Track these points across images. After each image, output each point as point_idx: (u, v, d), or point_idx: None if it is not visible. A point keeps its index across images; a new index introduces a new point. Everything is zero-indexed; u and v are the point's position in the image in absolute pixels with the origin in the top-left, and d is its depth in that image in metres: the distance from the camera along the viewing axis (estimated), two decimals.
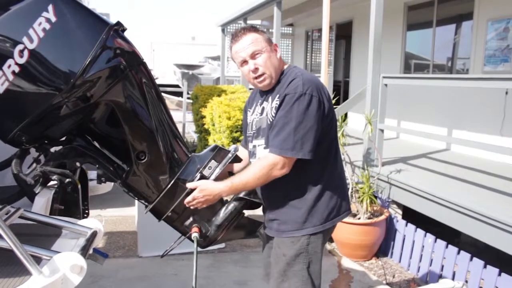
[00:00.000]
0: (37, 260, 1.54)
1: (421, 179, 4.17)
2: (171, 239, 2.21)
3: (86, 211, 2.80)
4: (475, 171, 4.51)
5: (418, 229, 3.86)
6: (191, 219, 2.11)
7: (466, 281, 3.25)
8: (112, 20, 1.87)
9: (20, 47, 1.70)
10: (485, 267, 3.19)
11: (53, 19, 1.71)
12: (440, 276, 3.54)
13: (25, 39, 1.70)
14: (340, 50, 10.74)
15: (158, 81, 4.10)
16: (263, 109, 2.06)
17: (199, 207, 2.02)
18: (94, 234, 1.91)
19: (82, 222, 2.03)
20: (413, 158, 5.12)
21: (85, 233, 1.91)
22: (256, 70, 1.98)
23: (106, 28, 1.78)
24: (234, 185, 1.95)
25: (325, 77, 4.78)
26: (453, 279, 3.32)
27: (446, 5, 6.46)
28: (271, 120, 1.97)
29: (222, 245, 4.16)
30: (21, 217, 1.94)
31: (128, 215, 5.11)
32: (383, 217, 4.04)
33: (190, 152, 2.16)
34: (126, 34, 1.90)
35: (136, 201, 3.96)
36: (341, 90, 9.96)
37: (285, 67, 2.07)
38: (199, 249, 2.06)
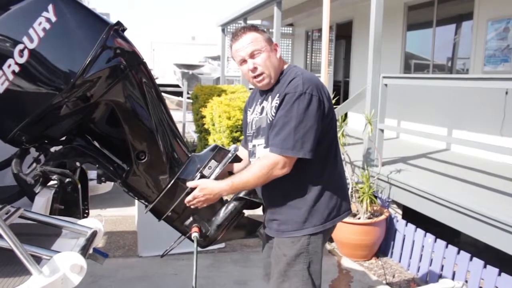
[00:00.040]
0: (37, 259, 1.54)
1: (421, 179, 4.17)
2: (171, 239, 2.21)
3: (86, 211, 2.81)
4: (475, 171, 4.51)
5: (418, 229, 3.86)
6: (191, 219, 2.11)
7: (466, 281, 3.25)
8: (112, 20, 1.87)
9: (20, 46, 1.70)
10: (485, 267, 3.19)
11: (53, 18, 1.71)
12: (440, 276, 3.54)
13: (25, 39, 1.70)
14: (340, 50, 10.74)
15: (158, 81, 4.10)
16: (262, 108, 2.06)
17: (200, 207, 2.01)
18: (94, 234, 1.91)
19: (82, 221, 2.03)
20: (413, 158, 5.12)
21: (85, 233, 1.92)
22: (254, 69, 1.98)
23: (106, 28, 1.78)
24: (235, 184, 1.95)
25: (325, 77, 4.78)
26: (453, 279, 3.32)
27: (446, 5, 6.46)
28: (271, 119, 1.97)
29: (222, 245, 4.16)
30: (21, 216, 1.94)
31: (128, 215, 5.11)
32: (383, 217, 4.04)
33: (190, 152, 2.16)
34: (126, 34, 1.90)
35: (136, 201, 3.96)
36: (341, 90, 9.96)
37: (285, 66, 2.07)
38: (199, 249, 2.06)
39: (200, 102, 7.47)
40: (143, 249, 4.04)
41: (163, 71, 19.11)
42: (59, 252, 1.59)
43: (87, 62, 1.72)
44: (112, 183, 2.53)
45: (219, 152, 2.12)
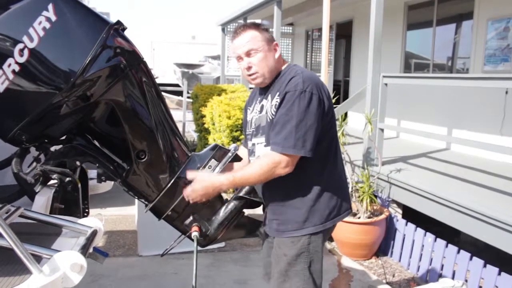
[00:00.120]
0: (37, 259, 1.54)
1: (421, 178, 4.17)
2: (171, 238, 2.21)
3: (86, 210, 2.81)
4: (475, 170, 4.51)
5: (418, 229, 3.86)
6: (191, 218, 2.11)
7: (466, 280, 3.25)
8: (112, 19, 1.87)
9: (20, 46, 1.70)
10: (485, 266, 3.19)
11: (53, 18, 1.72)
12: (440, 275, 3.54)
13: (25, 38, 1.70)
14: (340, 50, 10.75)
15: (158, 80, 4.10)
16: (262, 107, 2.05)
17: (199, 200, 1.99)
18: (94, 233, 1.91)
19: (82, 221, 2.03)
20: (413, 158, 5.12)
21: (85, 232, 1.92)
22: (249, 68, 2.00)
23: (106, 27, 1.78)
24: (236, 179, 1.94)
25: (325, 77, 4.78)
26: (453, 278, 3.32)
27: (446, 5, 6.46)
28: (271, 118, 1.97)
29: (222, 244, 4.16)
30: (21, 216, 1.94)
31: (128, 214, 5.11)
32: (383, 216, 4.04)
33: (190, 151, 2.16)
34: (126, 33, 1.90)
35: (136, 200, 3.96)
36: (341, 89, 9.96)
37: (285, 65, 2.07)
38: (199, 248, 2.06)
39: (200, 101, 7.47)
40: (143, 248, 4.05)
41: (163, 71, 19.08)
42: (59, 251, 1.59)
43: (87, 61, 1.72)
44: (112, 182, 2.53)
45: (219, 152, 2.12)
